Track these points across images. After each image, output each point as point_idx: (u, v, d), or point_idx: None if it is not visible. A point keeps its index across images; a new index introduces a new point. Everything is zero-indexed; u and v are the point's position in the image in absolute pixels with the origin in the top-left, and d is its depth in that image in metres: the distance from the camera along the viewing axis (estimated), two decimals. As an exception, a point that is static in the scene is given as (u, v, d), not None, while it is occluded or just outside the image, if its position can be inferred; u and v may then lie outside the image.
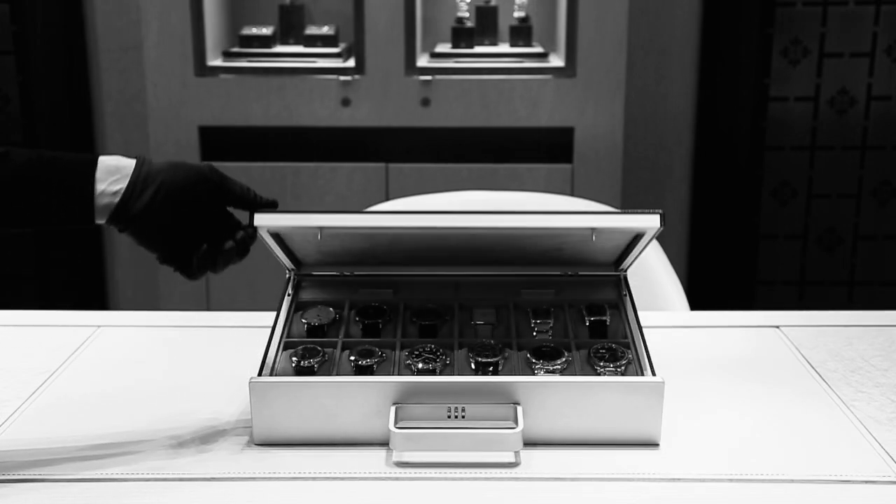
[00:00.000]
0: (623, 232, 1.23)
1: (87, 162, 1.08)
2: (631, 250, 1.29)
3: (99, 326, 1.49)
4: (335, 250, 1.31)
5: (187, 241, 1.13)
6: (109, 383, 1.31)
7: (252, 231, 1.16)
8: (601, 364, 1.20)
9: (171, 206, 1.09)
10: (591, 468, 1.09)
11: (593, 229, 1.19)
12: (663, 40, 3.08)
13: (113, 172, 1.08)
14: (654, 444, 1.14)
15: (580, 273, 1.38)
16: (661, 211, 1.18)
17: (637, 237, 1.25)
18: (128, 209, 1.08)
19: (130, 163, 1.09)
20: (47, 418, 1.21)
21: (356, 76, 2.86)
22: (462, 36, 2.96)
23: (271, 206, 1.18)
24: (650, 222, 1.19)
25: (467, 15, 2.97)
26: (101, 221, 1.09)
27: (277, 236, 1.25)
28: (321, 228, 1.20)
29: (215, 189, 1.13)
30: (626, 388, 1.13)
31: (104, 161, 1.08)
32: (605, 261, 1.34)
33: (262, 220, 1.18)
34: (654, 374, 1.16)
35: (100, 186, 1.07)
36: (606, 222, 1.19)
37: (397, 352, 1.24)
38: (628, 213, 1.20)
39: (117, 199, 1.08)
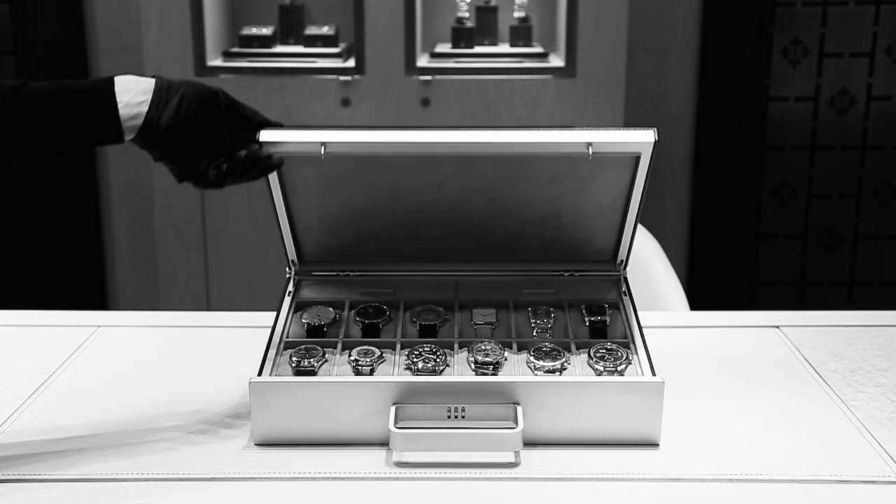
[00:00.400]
0: (619, 151, 1.23)
1: (106, 80, 1.10)
2: (631, 199, 1.30)
3: (99, 326, 1.49)
4: (334, 215, 1.32)
5: (206, 153, 1.14)
6: (109, 383, 1.31)
7: (259, 147, 1.18)
8: (601, 364, 1.20)
9: (194, 116, 1.11)
10: (591, 468, 1.09)
11: (589, 144, 1.20)
12: (663, 40, 3.08)
13: (133, 87, 1.10)
14: (654, 444, 1.14)
15: (580, 273, 1.38)
16: (655, 128, 1.22)
17: (635, 179, 1.27)
18: (155, 120, 1.10)
19: (149, 78, 1.12)
20: (47, 418, 1.21)
21: (356, 76, 2.86)
22: (462, 36, 2.96)
23: (278, 127, 1.21)
24: (645, 137, 1.21)
25: (467, 15, 2.96)
26: (129, 137, 1.11)
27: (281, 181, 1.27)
28: (324, 143, 1.21)
29: (230, 105, 1.16)
30: (626, 388, 1.13)
31: (121, 78, 1.10)
32: (605, 236, 1.35)
33: (268, 136, 1.19)
34: (654, 374, 1.16)
35: (123, 98, 1.09)
36: (602, 137, 1.21)
37: (397, 352, 1.24)
38: (623, 129, 1.23)
39: (144, 110, 1.10)
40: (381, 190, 1.29)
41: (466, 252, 1.37)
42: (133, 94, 1.10)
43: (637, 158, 1.25)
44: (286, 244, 1.36)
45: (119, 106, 1.09)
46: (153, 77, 1.12)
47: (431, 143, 1.21)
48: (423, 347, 1.24)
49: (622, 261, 1.37)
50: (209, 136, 1.13)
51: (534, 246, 1.36)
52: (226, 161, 1.15)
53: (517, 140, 1.21)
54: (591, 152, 1.20)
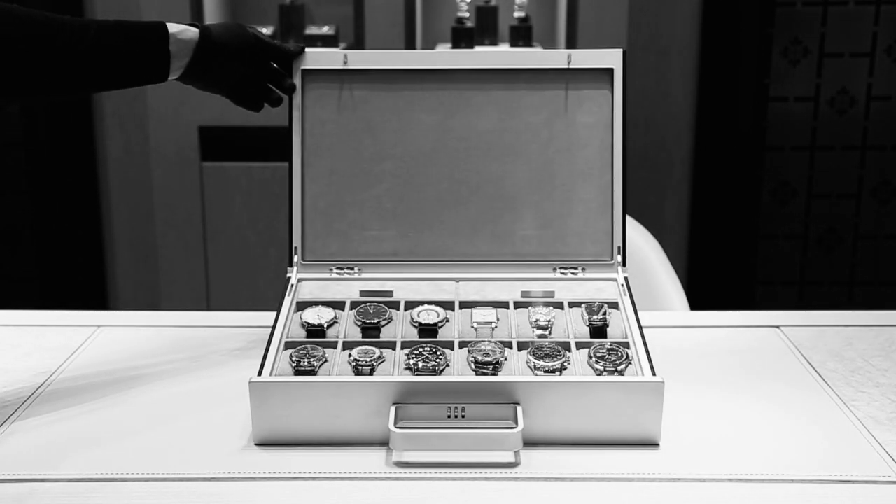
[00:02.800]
0: (594, 66, 1.39)
1: (159, 30, 1.27)
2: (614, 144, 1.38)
3: (99, 326, 1.49)
4: (345, 174, 1.40)
5: (242, 88, 1.38)
6: (109, 383, 1.31)
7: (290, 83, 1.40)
8: (601, 364, 1.20)
9: (230, 70, 1.34)
10: (591, 468, 1.09)
11: (569, 54, 1.38)
12: (663, 40, 3.08)
13: (182, 48, 1.28)
14: (654, 444, 1.14)
15: (580, 273, 1.38)
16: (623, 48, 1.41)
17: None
18: (195, 74, 1.31)
19: (193, 39, 1.29)
20: (47, 418, 1.21)
21: (356, 76, 2.85)
22: (462, 36, 2.96)
23: (301, 52, 1.41)
24: (615, 52, 1.39)
25: (467, 15, 2.97)
26: (172, 78, 1.31)
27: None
28: (346, 54, 1.40)
29: (263, 50, 1.37)
30: (626, 388, 1.13)
31: (173, 36, 1.27)
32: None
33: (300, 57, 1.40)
34: (654, 374, 1.16)
35: (173, 64, 1.28)
36: (578, 51, 1.40)
37: (397, 352, 1.24)
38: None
39: (187, 62, 1.29)
40: (389, 136, 1.39)
41: (465, 231, 1.40)
42: (179, 57, 1.28)
43: (611, 78, 1.38)
44: (293, 221, 1.39)
45: (170, 64, 1.27)
46: (198, 29, 1.29)
47: (436, 54, 1.42)
48: (423, 347, 1.24)
49: (619, 248, 1.38)
50: (241, 80, 1.36)
51: (529, 231, 1.39)
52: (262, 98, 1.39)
53: (509, 52, 1.45)
54: (569, 60, 1.36)
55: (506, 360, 1.22)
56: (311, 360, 1.21)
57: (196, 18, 2.84)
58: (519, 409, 1.12)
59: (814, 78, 3.02)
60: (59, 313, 1.55)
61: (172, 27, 1.28)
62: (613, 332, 1.29)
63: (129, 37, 1.25)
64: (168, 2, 2.83)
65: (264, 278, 2.98)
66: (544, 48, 2.97)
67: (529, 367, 1.21)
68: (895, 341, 1.43)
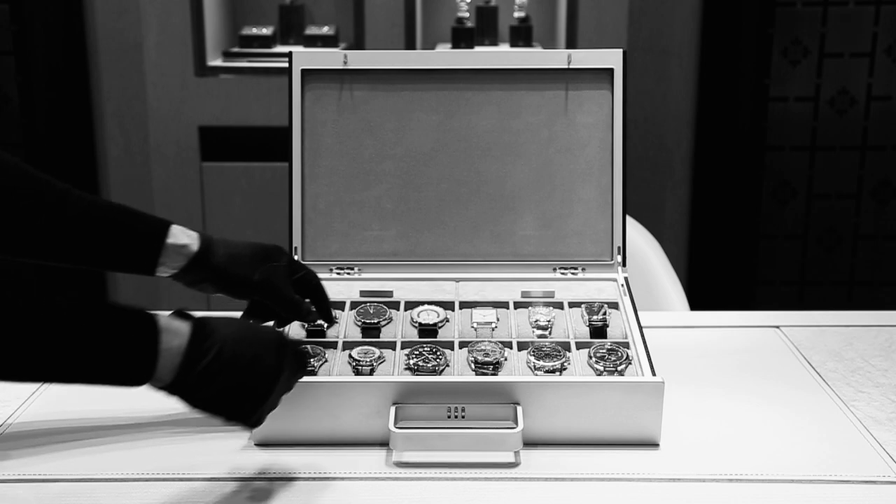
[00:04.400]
0: (594, 66, 1.40)
1: (160, 228, 1.15)
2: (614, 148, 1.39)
3: (99, 326, 1.49)
4: (346, 174, 1.40)
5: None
6: (109, 383, 1.31)
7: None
8: (601, 364, 1.20)
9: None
10: (591, 468, 1.09)
11: (569, 55, 1.39)
12: (663, 40, 3.08)
13: (178, 253, 1.15)
14: (654, 444, 1.14)
15: (580, 273, 1.38)
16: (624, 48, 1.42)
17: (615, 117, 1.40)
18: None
19: (193, 246, 1.16)
20: (47, 418, 1.21)
21: (356, 76, 2.85)
22: (462, 36, 2.96)
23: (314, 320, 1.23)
24: (615, 52, 1.39)
25: (467, 15, 2.97)
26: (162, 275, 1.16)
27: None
28: (346, 54, 1.40)
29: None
30: (626, 388, 1.13)
31: (170, 243, 1.15)
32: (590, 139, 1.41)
33: (298, 55, 1.41)
34: (654, 374, 1.16)
35: (160, 270, 1.15)
36: (578, 51, 1.41)
37: (397, 352, 1.24)
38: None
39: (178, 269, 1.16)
40: (389, 136, 1.39)
41: (465, 231, 1.40)
42: (174, 262, 1.15)
43: (611, 78, 1.39)
44: (293, 221, 1.40)
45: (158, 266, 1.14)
46: (199, 244, 1.16)
47: (436, 54, 1.43)
48: (423, 347, 1.24)
49: (619, 248, 1.38)
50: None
51: (529, 231, 1.39)
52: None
53: (509, 52, 1.45)
54: (569, 60, 1.37)
55: (506, 360, 1.22)
56: (311, 360, 1.21)
57: (196, 18, 2.84)
58: (519, 409, 1.12)
59: (814, 78, 3.02)
60: (59, 313, 1.55)
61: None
62: (613, 332, 1.29)
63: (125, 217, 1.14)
64: (168, 2, 2.83)
65: (264, 278, 2.97)
66: (544, 48, 2.97)
67: (529, 367, 1.21)
68: (895, 341, 1.43)
